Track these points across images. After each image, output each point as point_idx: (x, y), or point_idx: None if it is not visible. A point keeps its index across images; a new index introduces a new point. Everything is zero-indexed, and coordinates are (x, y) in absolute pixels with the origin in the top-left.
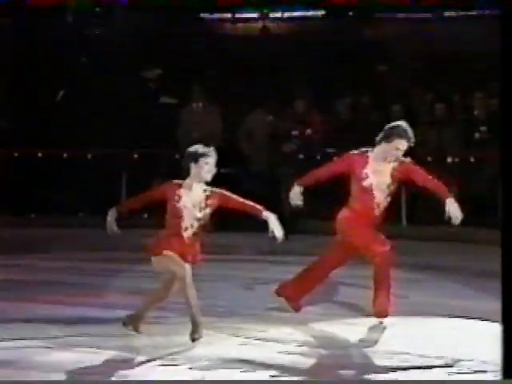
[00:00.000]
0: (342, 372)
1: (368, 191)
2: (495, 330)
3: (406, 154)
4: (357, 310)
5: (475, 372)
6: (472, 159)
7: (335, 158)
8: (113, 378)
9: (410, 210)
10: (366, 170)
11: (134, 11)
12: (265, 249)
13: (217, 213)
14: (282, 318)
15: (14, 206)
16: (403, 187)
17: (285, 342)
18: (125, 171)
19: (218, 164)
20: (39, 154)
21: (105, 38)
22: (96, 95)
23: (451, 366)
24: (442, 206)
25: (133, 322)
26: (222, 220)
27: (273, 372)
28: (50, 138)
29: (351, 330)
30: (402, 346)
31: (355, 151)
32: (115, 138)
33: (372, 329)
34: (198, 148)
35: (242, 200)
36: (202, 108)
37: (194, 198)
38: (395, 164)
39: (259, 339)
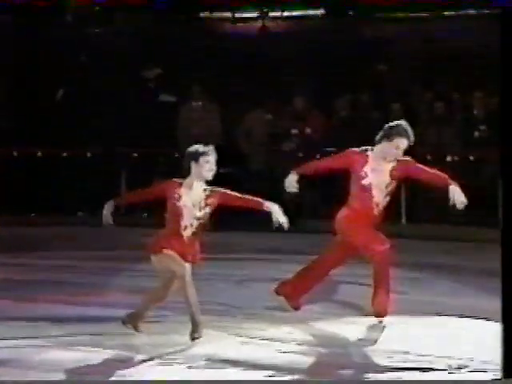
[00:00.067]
0: (341, 371)
1: (367, 190)
2: (495, 329)
3: (405, 153)
4: (356, 309)
5: (475, 371)
6: (471, 158)
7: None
8: (112, 377)
9: (410, 208)
10: (365, 169)
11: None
12: (264, 247)
13: (217, 212)
14: (282, 317)
15: (14, 205)
16: (403, 186)
17: (284, 340)
18: (124, 170)
19: (218, 163)
20: (39, 154)
21: (104, 38)
22: (95, 94)
23: (451, 366)
24: (441, 205)
25: (132, 320)
26: (222, 219)
27: (272, 371)
28: (49, 137)
29: (350, 329)
30: (402, 345)
31: (355, 149)
32: (115, 138)
33: (371, 328)
34: (198, 147)
35: (241, 196)
36: (201, 106)
37: (194, 197)
38: (394, 163)
39: (259, 338)
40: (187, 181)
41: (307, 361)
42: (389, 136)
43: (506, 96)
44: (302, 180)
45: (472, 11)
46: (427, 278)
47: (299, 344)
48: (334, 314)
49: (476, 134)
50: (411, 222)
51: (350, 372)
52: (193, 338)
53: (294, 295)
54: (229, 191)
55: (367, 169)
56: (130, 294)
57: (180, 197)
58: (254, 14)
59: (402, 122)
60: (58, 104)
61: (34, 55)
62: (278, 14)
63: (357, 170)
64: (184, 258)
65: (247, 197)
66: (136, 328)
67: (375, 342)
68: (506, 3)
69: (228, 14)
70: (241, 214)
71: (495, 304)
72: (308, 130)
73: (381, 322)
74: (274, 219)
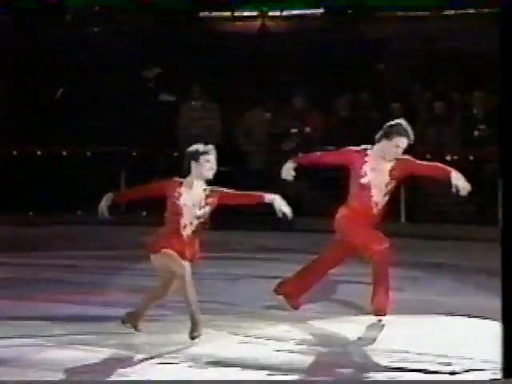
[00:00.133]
0: (340, 370)
1: (366, 189)
2: (495, 328)
3: (405, 153)
4: (355, 308)
5: (475, 371)
6: (471, 157)
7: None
8: (112, 376)
9: (409, 207)
10: (364, 168)
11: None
12: (264, 246)
13: (216, 211)
14: (281, 316)
15: (13, 204)
16: (402, 185)
17: (283, 339)
18: (124, 169)
19: (218, 163)
20: (38, 152)
21: (104, 38)
22: (95, 94)
23: (450, 365)
24: (441, 205)
25: (132, 319)
26: (222, 218)
27: (271, 370)
28: (49, 136)
29: (350, 328)
30: (401, 345)
31: (355, 147)
32: (114, 137)
33: (371, 327)
34: (199, 147)
35: (241, 193)
36: (201, 105)
37: (194, 197)
38: (394, 162)
39: (258, 337)
40: (187, 180)
41: (306, 360)
42: (388, 135)
43: (506, 95)
44: (298, 170)
45: (472, 11)
46: (427, 277)
47: (298, 343)
48: (333, 313)
49: (476, 133)
50: (410, 221)
51: (349, 371)
52: (192, 337)
53: (294, 294)
54: (229, 190)
55: (366, 168)
56: (129, 293)
57: (180, 195)
58: (254, 13)
59: (402, 121)
60: (58, 103)
61: (33, 55)
62: (277, 13)
63: (356, 168)
64: (183, 256)
65: (247, 193)
66: (135, 327)
67: (374, 340)
68: (506, 3)
69: (227, 14)
70: (241, 212)
71: (495, 303)
72: (308, 130)
73: (380, 320)
74: (277, 209)
